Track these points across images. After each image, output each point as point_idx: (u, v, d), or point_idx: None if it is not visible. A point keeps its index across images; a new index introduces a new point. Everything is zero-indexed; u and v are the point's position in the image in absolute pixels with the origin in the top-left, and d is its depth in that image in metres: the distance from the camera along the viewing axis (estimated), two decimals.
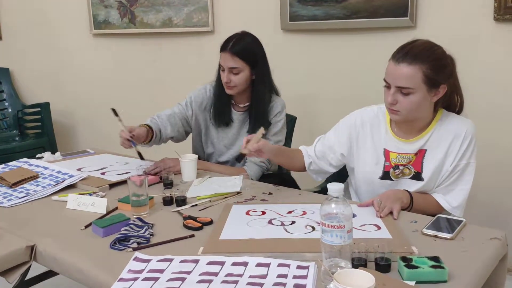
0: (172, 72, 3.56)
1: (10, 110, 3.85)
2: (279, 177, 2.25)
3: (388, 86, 1.62)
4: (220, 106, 2.17)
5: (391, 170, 1.71)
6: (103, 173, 2.05)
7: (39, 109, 3.71)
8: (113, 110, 2.00)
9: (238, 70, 2.05)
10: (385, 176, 1.73)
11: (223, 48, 2.08)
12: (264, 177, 2.17)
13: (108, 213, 1.64)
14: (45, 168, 2.06)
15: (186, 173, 1.97)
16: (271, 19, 3.08)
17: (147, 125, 2.09)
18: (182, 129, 2.22)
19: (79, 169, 2.07)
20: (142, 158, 2.05)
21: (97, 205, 1.66)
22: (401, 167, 1.70)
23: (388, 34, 2.73)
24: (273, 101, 2.15)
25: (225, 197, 1.76)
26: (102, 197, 1.78)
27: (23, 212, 1.69)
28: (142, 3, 3.60)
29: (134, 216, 1.56)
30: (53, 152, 2.42)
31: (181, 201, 1.69)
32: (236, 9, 3.28)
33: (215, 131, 2.23)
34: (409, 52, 1.57)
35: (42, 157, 2.30)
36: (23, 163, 2.15)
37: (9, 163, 2.17)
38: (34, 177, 1.97)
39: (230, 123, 2.19)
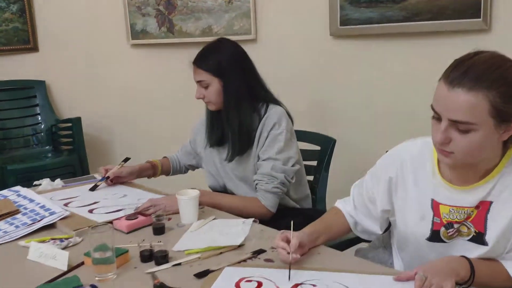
0: None
1: (43, 125, 3.67)
2: (302, 213, 1.84)
3: (438, 118, 1.15)
4: (208, 123, 1.96)
5: (442, 229, 1.23)
6: (91, 210, 1.72)
7: (70, 124, 3.51)
8: (126, 159, 2.08)
9: (205, 83, 1.83)
10: (434, 236, 1.25)
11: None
12: (283, 213, 1.79)
13: (69, 270, 1.30)
14: (31, 201, 1.79)
15: (184, 214, 1.60)
16: (319, 24, 2.79)
17: (166, 157, 2.17)
18: (198, 156, 2.10)
19: (66, 204, 1.77)
20: (92, 189, 1.97)
21: (58, 259, 1.33)
22: (456, 225, 1.22)
23: (456, 39, 2.33)
24: (266, 112, 1.82)
25: (220, 252, 1.37)
26: (77, 243, 1.47)
27: None
28: (181, 10, 3.34)
29: (96, 279, 1.21)
30: (83, 169, 2.21)
31: (161, 258, 1.32)
32: (280, 15, 2.98)
33: (218, 156, 1.95)
34: (469, 72, 1.09)
35: (40, 185, 2.04)
36: (13, 193, 1.89)
37: (1, 191, 1.93)
38: (14, 212, 1.70)
39: (224, 144, 1.91)
